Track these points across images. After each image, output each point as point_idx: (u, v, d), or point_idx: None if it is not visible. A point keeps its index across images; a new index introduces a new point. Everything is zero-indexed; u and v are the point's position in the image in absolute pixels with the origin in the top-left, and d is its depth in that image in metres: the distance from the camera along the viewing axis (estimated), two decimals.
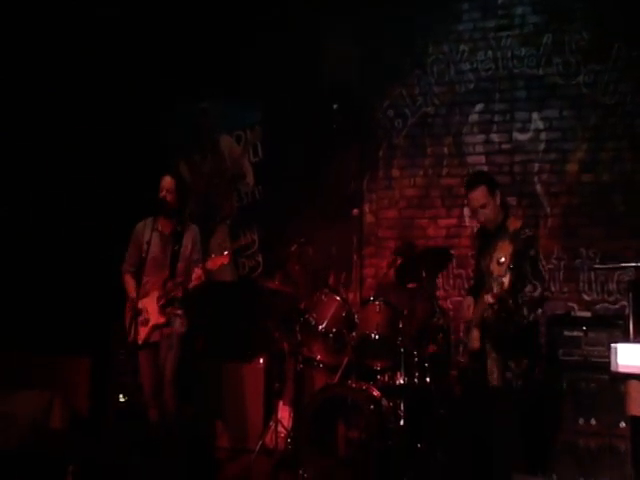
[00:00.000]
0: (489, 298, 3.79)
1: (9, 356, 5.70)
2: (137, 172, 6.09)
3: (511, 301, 3.76)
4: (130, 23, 6.30)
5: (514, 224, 3.98)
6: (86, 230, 6.10)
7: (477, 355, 4.00)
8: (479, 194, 4.09)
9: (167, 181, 4.85)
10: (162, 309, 4.71)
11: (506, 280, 3.60)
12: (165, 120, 6.79)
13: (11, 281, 5.87)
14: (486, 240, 4.17)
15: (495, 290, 3.72)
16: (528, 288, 3.80)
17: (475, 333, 4.01)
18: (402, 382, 4.66)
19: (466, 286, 5.47)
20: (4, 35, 5.82)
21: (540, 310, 4.03)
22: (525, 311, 3.83)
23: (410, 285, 5.19)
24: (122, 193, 6.14)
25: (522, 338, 3.93)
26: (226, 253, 4.61)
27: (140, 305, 4.63)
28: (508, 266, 3.60)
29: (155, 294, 4.73)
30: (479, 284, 4.18)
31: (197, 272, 4.60)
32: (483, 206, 4.07)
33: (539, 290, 3.84)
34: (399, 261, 5.16)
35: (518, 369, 3.90)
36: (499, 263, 3.67)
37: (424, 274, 4.83)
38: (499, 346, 3.94)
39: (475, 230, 4.83)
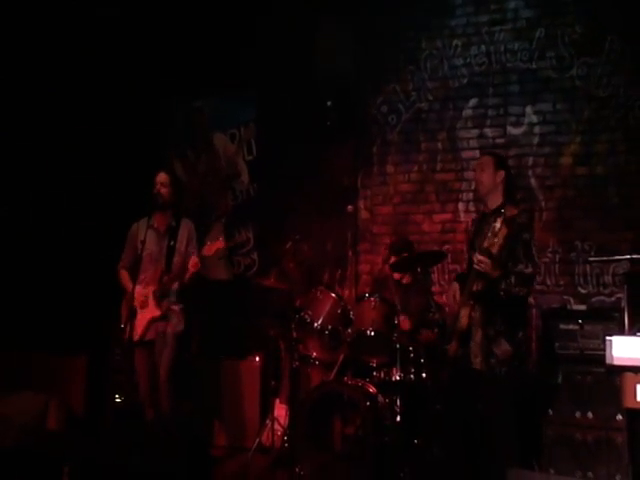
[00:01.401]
0: (477, 255, 3.82)
1: (5, 355, 5.68)
2: (135, 172, 6.08)
3: (501, 270, 3.80)
4: (127, 22, 6.28)
5: (511, 211, 4.02)
6: (82, 229, 6.10)
7: (464, 337, 3.98)
8: (484, 160, 4.26)
9: (161, 176, 4.91)
10: (158, 302, 4.73)
11: (496, 249, 3.73)
12: (162, 119, 6.78)
13: (8, 280, 5.86)
14: (481, 225, 4.18)
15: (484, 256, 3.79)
16: (519, 266, 3.87)
17: (464, 311, 4.00)
18: (398, 378, 4.64)
19: None
20: (3, 35, 5.80)
21: (529, 289, 4.04)
22: (514, 280, 3.84)
23: (405, 281, 5.19)
24: (119, 193, 6.13)
25: (509, 309, 3.92)
26: (221, 239, 4.65)
27: (136, 298, 4.64)
28: (501, 246, 3.71)
29: (151, 288, 4.76)
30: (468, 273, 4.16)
31: (193, 259, 4.65)
32: (482, 169, 4.19)
33: (530, 269, 3.90)
34: (393, 259, 5.15)
35: (502, 356, 3.88)
36: (492, 244, 3.76)
37: (419, 269, 4.81)
38: (487, 315, 3.92)
39: (470, 221, 4.82)
